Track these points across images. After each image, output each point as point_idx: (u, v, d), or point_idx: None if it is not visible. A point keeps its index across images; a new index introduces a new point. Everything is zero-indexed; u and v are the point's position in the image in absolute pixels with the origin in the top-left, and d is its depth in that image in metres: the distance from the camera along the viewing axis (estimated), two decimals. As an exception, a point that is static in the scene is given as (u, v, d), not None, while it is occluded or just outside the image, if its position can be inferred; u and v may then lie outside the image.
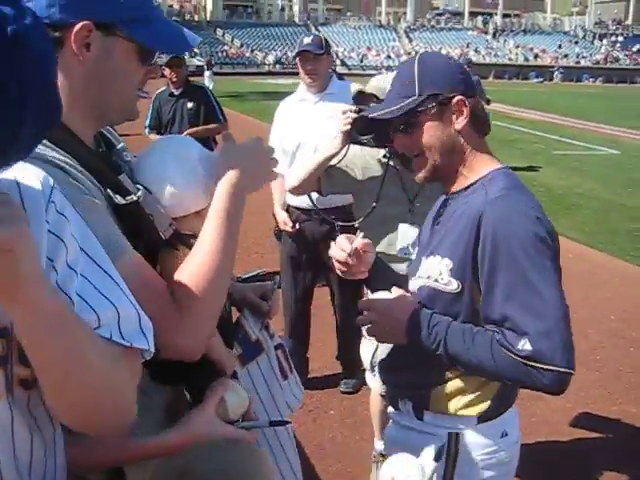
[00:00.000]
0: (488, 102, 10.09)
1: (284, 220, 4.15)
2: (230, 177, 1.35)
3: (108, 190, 1.26)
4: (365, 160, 2.96)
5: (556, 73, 53.96)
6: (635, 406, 4.26)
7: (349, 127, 2.58)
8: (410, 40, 62.41)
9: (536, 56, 62.21)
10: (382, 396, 3.32)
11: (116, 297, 1.02)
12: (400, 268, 2.96)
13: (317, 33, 4.53)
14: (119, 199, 1.26)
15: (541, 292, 1.54)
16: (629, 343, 5.24)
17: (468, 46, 61.63)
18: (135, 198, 1.29)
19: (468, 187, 1.75)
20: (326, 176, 2.87)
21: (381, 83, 2.87)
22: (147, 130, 6.22)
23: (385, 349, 3.20)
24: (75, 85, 1.23)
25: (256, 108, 20.02)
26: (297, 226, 4.10)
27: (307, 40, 4.08)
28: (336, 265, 1.95)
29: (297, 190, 2.96)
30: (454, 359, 1.68)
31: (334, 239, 1.95)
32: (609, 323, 5.59)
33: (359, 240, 1.91)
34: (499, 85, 39.81)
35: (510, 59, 58.22)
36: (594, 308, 5.84)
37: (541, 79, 53.75)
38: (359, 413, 3.95)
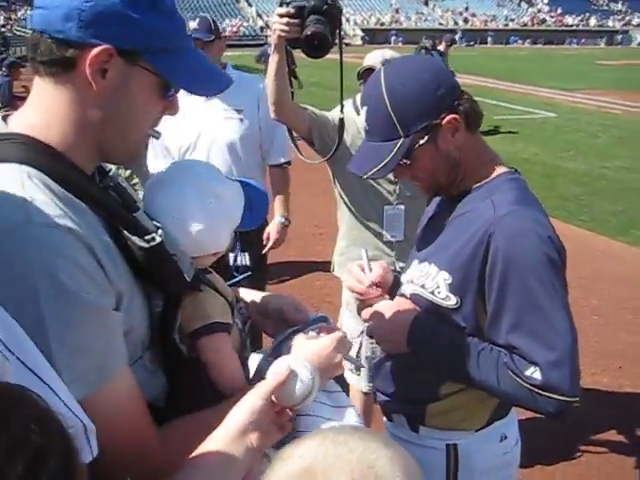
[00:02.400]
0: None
1: None
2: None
3: (125, 232, 1.07)
4: (357, 129, 2.87)
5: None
6: (606, 375, 4.29)
7: (282, 33, 2.39)
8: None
9: (466, 20, 62.64)
10: (364, 393, 3.22)
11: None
12: (388, 252, 2.93)
13: (204, 14, 3.69)
14: (140, 242, 1.07)
15: (552, 319, 1.49)
16: (591, 311, 5.27)
17: (398, 12, 61.47)
18: (159, 239, 1.10)
19: (470, 191, 1.66)
20: (317, 126, 2.79)
21: (387, 55, 2.83)
22: None
23: (370, 348, 3.12)
24: (84, 114, 1.04)
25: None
26: None
27: (193, 25, 3.45)
28: (356, 296, 1.86)
29: (277, 114, 2.73)
30: (455, 373, 1.61)
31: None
32: (570, 291, 5.60)
33: (376, 271, 1.81)
34: (432, 50, 39.83)
35: (440, 24, 58.36)
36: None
37: (472, 42, 54.18)
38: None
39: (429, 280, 1.65)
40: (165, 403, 1.19)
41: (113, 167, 1.20)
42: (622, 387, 4.17)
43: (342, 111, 2.74)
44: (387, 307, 1.73)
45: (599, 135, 13.31)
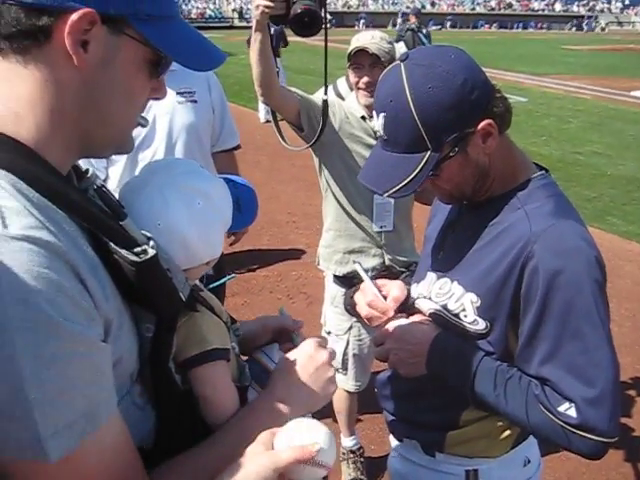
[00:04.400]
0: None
1: None
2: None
3: (111, 245, 0.88)
4: (344, 114, 2.75)
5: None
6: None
7: (266, 9, 2.24)
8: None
9: (433, 4, 62.59)
10: (349, 393, 3.06)
11: None
12: (377, 242, 2.80)
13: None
14: (131, 256, 0.88)
15: (593, 351, 1.30)
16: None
17: (366, -6, 61.14)
18: (152, 252, 0.91)
19: (497, 197, 1.45)
20: (306, 109, 2.62)
21: (376, 39, 2.63)
22: None
23: (357, 346, 2.95)
24: (62, 98, 0.85)
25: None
26: None
27: None
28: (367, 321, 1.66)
29: (266, 97, 2.55)
30: (479, 402, 1.41)
31: None
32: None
33: (395, 295, 1.60)
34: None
35: (408, 7, 58.25)
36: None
37: (439, 26, 54.18)
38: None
39: (452, 301, 1.46)
40: (154, 443, 1.00)
41: (90, 168, 0.99)
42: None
43: (326, 92, 2.60)
44: (404, 327, 1.53)
45: (570, 120, 13.29)
